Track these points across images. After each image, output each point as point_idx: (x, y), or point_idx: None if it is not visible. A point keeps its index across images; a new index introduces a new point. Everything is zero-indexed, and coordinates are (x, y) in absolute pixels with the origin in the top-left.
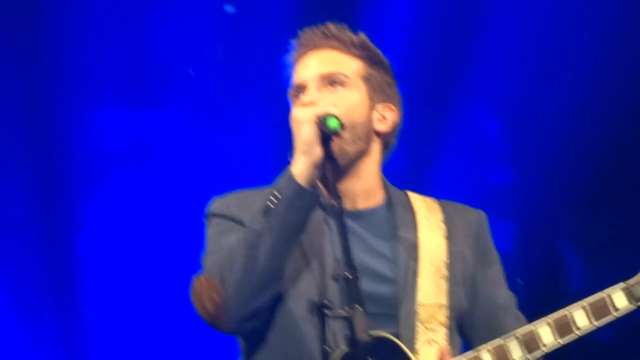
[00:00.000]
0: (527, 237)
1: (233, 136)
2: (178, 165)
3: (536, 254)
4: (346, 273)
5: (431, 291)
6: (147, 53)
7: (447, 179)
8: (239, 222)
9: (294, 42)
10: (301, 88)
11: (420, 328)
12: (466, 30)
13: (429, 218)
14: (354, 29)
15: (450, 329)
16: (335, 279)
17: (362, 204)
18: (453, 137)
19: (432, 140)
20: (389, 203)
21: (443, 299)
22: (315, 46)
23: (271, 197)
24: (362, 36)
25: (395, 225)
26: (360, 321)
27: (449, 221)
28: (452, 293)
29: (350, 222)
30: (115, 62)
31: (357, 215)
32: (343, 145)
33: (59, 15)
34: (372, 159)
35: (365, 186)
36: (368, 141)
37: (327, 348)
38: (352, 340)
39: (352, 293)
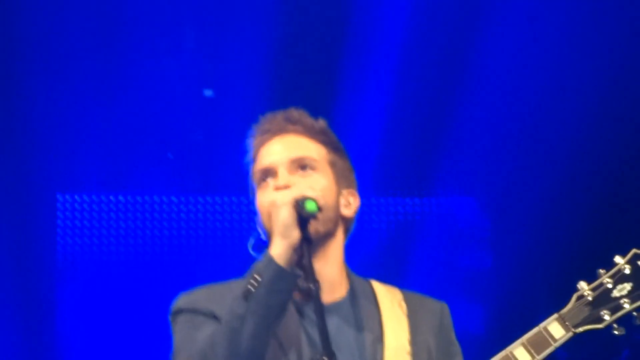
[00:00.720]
0: (502, 321)
1: (211, 219)
2: (156, 248)
3: (513, 337)
4: (324, 357)
5: None
6: (126, 136)
7: (425, 262)
8: (210, 316)
9: (255, 128)
10: (270, 172)
11: None
12: (442, 109)
13: (393, 309)
14: (328, 114)
15: None
16: None
17: (328, 297)
18: (430, 219)
19: (410, 222)
20: (352, 295)
21: None
22: (280, 131)
23: (251, 281)
24: (323, 122)
25: (360, 318)
26: None
27: (412, 312)
28: None
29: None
30: (93, 145)
31: (326, 309)
32: (317, 227)
33: (37, 100)
34: (337, 242)
35: (331, 274)
36: (336, 225)
37: None
38: None
39: None
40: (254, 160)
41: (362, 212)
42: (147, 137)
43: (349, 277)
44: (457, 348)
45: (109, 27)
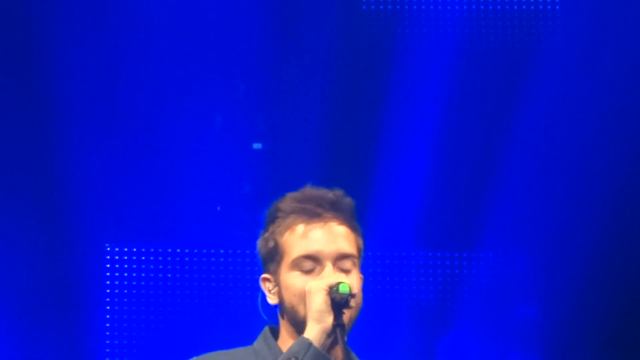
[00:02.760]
0: None
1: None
2: (202, 303)
3: None
4: None
5: None
6: (174, 188)
7: (473, 313)
8: None
9: (290, 202)
10: (314, 259)
11: None
12: (487, 165)
13: None
14: (372, 165)
15: None
16: None
17: None
18: (478, 273)
19: (459, 275)
20: None
21: None
22: (321, 217)
23: None
24: (352, 202)
25: None
26: None
27: None
28: None
29: None
30: (142, 198)
31: None
32: (351, 315)
33: (77, 157)
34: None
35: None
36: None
37: None
38: None
39: None
40: (279, 240)
41: (409, 266)
42: (196, 190)
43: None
44: None
45: (159, 81)
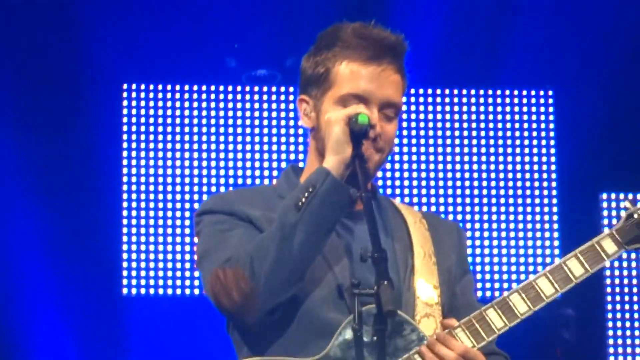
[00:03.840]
0: None
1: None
2: (219, 141)
3: None
4: (375, 254)
5: (425, 272)
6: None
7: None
8: (245, 219)
9: (348, 35)
10: (360, 99)
11: (418, 303)
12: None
13: (416, 223)
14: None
15: (442, 305)
16: (364, 260)
17: (358, 206)
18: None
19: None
20: (378, 205)
21: (435, 281)
22: (379, 58)
23: (305, 193)
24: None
25: (389, 228)
26: (387, 294)
27: (433, 228)
28: (441, 277)
29: (349, 223)
30: (158, 37)
31: (355, 215)
32: (378, 160)
33: None
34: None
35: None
36: None
37: (355, 326)
38: (379, 314)
39: (380, 270)
40: (331, 69)
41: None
42: (213, 27)
43: (374, 189)
44: (468, 266)
45: None
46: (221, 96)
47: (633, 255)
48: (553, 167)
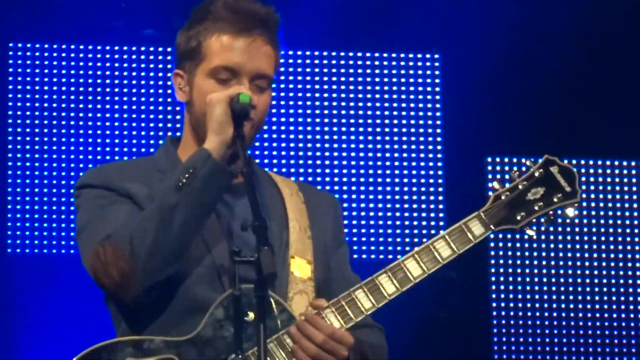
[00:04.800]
0: None
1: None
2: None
3: None
4: (255, 223)
5: (300, 247)
6: None
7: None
8: (125, 195)
9: (217, 9)
10: (232, 72)
11: (292, 279)
12: None
13: (292, 196)
14: None
15: (315, 282)
16: (245, 229)
17: (238, 179)
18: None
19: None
20: (256, 179)
21: (309, 255)
22: (249, 30)
23: (186, 175)
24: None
25: (265, 203)
26: (267, 259)
27: (309, 200)
28: (315, 251)
29: (228, 198)
30: None
31: (235, 189)
32: (253, 129)
33: None
34: None
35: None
36: None
37: (235, 292)
38: (260, 280)
39: (260, 237)
40: (202, 43)
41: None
42: None
43: (250, 163)
44: (343, 237)
45: None
46: (107, 56)
47: None
48: (439, 131)
